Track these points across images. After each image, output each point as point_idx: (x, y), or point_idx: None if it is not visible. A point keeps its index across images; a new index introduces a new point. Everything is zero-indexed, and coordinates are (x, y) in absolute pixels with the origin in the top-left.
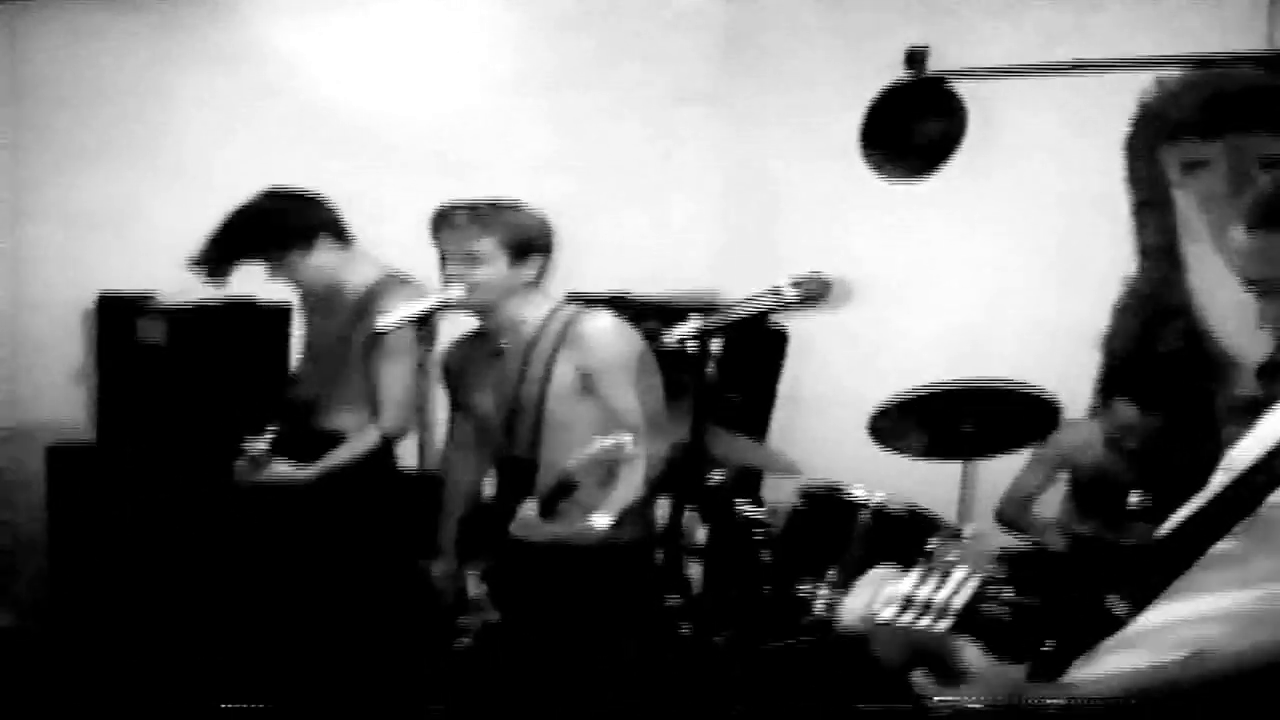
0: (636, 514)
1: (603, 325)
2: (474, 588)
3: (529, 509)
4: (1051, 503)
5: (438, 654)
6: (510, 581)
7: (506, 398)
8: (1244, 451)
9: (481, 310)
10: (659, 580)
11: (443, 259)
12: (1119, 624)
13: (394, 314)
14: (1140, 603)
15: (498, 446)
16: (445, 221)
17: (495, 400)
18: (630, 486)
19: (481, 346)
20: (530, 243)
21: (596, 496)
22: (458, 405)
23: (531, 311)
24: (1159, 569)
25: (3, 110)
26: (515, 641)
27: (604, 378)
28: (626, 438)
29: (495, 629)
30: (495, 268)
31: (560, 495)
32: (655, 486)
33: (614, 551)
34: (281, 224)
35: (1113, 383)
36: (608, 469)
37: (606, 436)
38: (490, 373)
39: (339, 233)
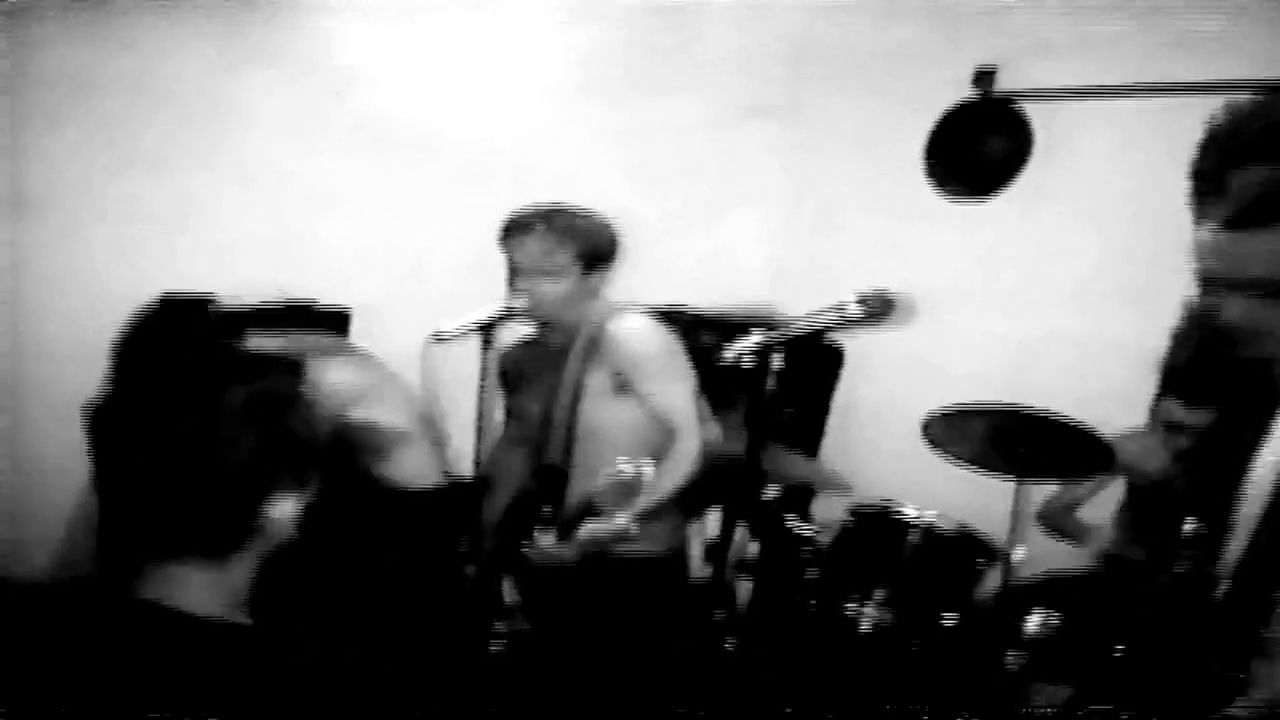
0: (668, 525)
1: (632, 325)
2: (509, 594)
3: (545, 539)
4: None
5: (473, 659)
6: (539, 592)
7: (544, 403)
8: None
9: (543, 320)
10: (696, 593)
11: (513, 269)
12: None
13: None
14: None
15: (534, 452)
16: (521, 232)
17: (537, 405)
18: (662, 487)
19: (535, 351)
20: (602, 255)
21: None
22: (510, 409)
23: (582, 317)
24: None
25: (70, 111)
26: (545, 651)
27: (639, 375)
28: (648, 465)
29: (528, 636)
30: (569, 281)
31: (582, 519)
32: (700, 495)
33: (644, 564)
34: None
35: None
36: (630, 494)
37: (628, 461)
38: (538, 377)
39: None
